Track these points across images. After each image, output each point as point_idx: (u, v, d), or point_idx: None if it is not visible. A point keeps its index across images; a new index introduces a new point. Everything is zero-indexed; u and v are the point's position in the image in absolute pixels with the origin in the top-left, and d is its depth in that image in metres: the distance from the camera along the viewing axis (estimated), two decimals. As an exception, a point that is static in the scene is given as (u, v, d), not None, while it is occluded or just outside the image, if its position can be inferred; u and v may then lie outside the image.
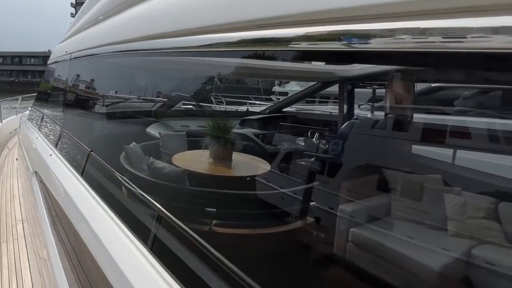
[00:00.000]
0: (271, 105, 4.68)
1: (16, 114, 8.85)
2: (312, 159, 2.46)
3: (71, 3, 65.57)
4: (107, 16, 2.30)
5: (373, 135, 2.56)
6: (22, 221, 3.23)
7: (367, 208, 2.05)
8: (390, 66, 2.85)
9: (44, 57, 54.56)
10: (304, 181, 2.29)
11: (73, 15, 63.50)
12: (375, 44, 0.66)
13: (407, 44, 0.61)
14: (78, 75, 3.55)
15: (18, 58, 57.83)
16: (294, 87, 12.26)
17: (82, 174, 2.21)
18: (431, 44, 0.58)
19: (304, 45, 0.83)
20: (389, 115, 2.78)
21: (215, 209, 1.77)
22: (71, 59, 3.48)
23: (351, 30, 0.70)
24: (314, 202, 2.14)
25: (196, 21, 1.23)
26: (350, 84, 3.45)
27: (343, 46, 0.72)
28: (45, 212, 2.78)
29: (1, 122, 7.99)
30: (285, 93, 12.41)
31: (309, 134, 3.00)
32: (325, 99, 5.32)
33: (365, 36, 0.68)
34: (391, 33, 0.62)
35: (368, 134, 2.58)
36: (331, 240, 1.86)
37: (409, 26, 0.60)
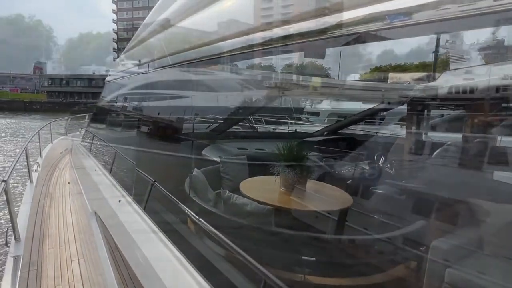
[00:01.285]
0: (327, 126, 4.35)
1: (66, 134, 9.13)
2: (400, 191, 2.14)
3: (113, 29, 70.18)
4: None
5: (470, 166, 2.21)
6: (78, 257, 2.91)
7: (463, 246, 1.74)
8: (470, 86, 2.54)
9: (88, 79, 58.59)
10: (392, 216, 1.99)
11: (115, 40, 67.70)
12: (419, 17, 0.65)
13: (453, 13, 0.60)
14: (156, 90, 2.97)
15: (65, 80, 62.06)
16: (325, 107, 11.95)
17: (148, 212, 2.00)
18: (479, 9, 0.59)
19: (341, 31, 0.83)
20: (477, 140, 2.47)
21: (308, 256, 1.49)
22: (148, 70, 2.87)
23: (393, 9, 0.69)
24: (403, 243, 1.85)
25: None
26: (420, 104, 3.15)
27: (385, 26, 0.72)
28: (105, 253, 2.51)
29: (52, 142, 8.15)
30: (317, 113, 12.12)
31: (384, 159, 2.67)
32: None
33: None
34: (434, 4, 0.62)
35: (464, 163, 2.23)
36: (420, 282, 1.63)
37: None
